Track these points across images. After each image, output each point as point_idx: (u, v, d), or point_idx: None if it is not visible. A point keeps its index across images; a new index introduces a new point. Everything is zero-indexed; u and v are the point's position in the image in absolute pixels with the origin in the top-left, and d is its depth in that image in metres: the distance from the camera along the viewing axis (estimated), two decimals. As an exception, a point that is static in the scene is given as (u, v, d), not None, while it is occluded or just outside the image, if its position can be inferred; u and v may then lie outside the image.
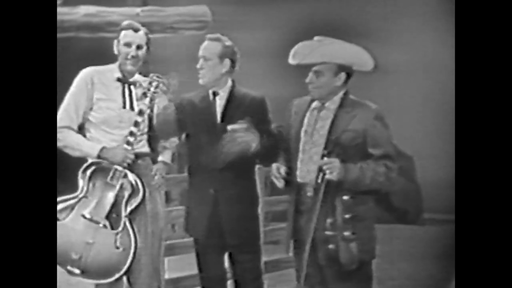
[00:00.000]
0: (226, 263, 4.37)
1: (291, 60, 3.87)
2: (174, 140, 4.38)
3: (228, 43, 4.25)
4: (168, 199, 4.68)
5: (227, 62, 4.21)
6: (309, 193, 3.82)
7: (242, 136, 3.97)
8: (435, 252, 6.84)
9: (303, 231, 3.81)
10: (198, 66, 4.21)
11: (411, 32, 9.55)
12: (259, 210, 4.36)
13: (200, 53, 4.22)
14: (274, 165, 3.94)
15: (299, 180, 3.88)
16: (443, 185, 6.50)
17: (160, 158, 4.33)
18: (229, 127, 4.19)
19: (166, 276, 4.56)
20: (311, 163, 3.82)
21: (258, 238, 4.32)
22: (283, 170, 3.90)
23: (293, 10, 9.94)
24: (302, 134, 3.89)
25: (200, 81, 4.23)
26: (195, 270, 4.42)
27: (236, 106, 4.23)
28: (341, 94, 3.87)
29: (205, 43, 4.24)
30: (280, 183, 3.93)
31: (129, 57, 4.20)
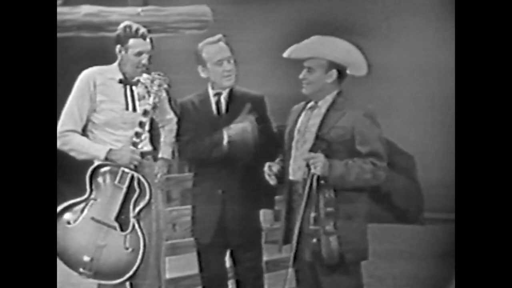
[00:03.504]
0: (228, 263, 4.37)
1: (284, 54, 3.93)
2: (173, 136, 4.37)
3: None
4: (169, 198, 4.67)
5: None
6: (299, 191, 3.84)
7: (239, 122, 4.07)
8: (435, 251, 6.83)
9: (293, 228, 3.83)
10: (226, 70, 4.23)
11: (411, 32, 9.54)
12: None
13: (228, 54, 4.24)
14: (266, 164, 3.98)
15: (291, 177, 3.91)
16: (443, 184, 6.50)
17: (160, 155, 4.32)
18: (231, 127, 4.22)
19: (167, 276, 4.56)
20: (301, 160, 3.85)
21: (260, 237, 4.33)
22: (275, 168, 3.96)
23: (294, 9, 9.94)
24: (296, 132, 3.93)
25: (231, 83, 4.26)
26: (195, 270, 4.42)
27: (237, 105, 4.25)
28: (334, 93, 3.91)
29: (222, 43, 4.27)
30: (272, 181, 3.97)
31: (140, 65, 4.19)
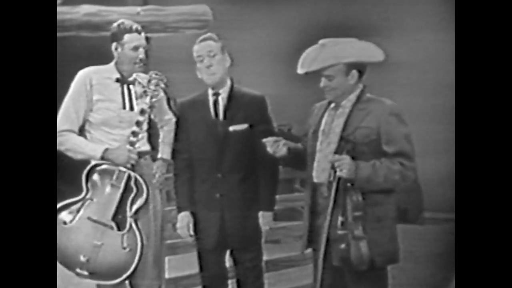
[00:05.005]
0: (228, 263, 4.37)
1: (299, 70, 3.79)
2: (172, 136, 4.37)
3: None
4: (168, 198, 4.66)
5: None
6: (324, 193, 3.73)
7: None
8: (435, 251, 6.84)
9: (319, 232, 3.72)
10: (206, 65, 4.19)
11: (412, 32, 9.55)
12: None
13: (208, 49, 4.18)
14: (269, 139, 3.83)
15: (315, 180, 3.79)
16: (443, 184, 6.50)
17: (159, 155, 4.32)
18: (231, 128, 4.21)
19: (166, 276, 4.57)
20: (325, 162, 3.72)
21: (260, 237, 4.32)
22: (280, 141, 3.81)
23: (295, 9, 9.95)
24: (320, 134, 3.81)
25: (212, 80, 4.21)
26: (195, 270, 4.42)
27: (236, 106, 4.24)
28: (357, 92, 3.80)
29: (211, 41, 4.22)
30: (280, 150, 3.81)
31: (137, 60, 4.18)
